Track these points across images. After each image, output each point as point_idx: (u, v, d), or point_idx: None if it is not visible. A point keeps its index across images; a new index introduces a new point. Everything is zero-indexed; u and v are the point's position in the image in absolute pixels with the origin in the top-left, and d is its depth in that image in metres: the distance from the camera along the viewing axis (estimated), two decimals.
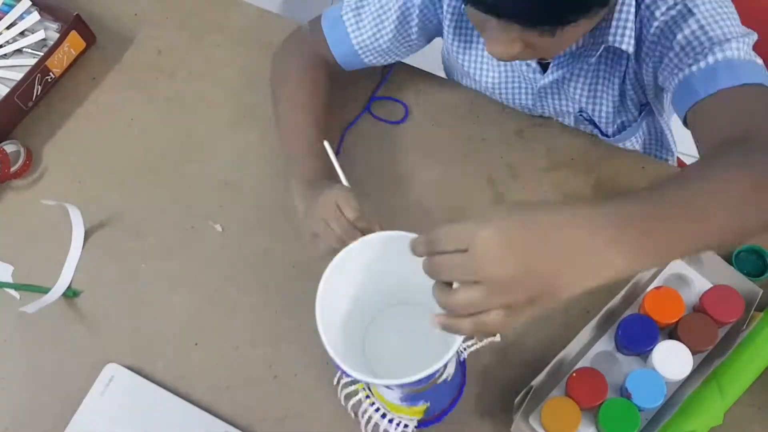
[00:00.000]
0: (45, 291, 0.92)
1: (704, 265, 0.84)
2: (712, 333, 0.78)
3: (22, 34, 1.07)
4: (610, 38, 0.79)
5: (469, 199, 0.94)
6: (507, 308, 0.52)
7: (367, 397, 0.77)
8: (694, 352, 0.77)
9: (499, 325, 0.53)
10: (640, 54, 0.81)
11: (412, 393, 0.70)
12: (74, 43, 1.06)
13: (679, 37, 0.75)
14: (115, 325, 0.91)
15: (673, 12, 0.75)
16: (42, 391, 0.88)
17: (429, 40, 0.95)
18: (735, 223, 0.57)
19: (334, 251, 0.67)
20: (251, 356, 0.88)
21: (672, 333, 0.80)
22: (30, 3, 1.08)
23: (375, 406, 0.77)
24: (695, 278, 0.84)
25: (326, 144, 0.80)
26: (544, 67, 0.89)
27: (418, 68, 1.03)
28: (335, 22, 0.92)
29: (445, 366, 0.64)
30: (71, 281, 0.94)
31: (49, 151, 1.03)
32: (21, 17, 1.07)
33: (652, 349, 0.77)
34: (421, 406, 0.74)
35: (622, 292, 0.81)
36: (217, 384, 0.87)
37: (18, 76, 1.02)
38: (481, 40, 0.90)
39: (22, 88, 1.01)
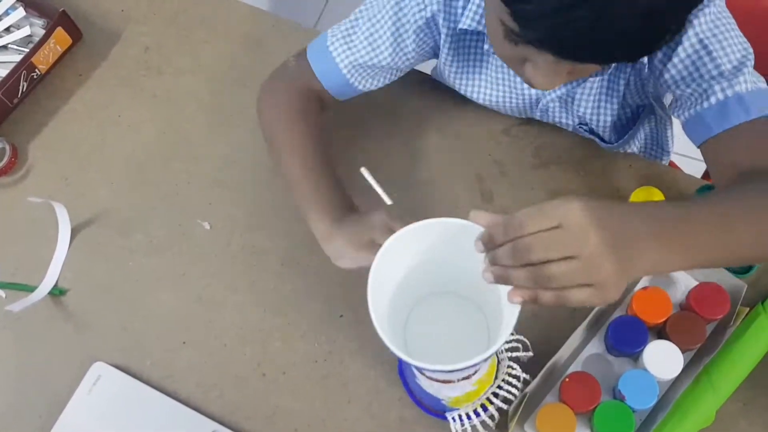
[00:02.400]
0: (31, 289, 0.91)
1: None
2: (700, 330, 0.79)
3: (7, 30, 1.06)
4: None
5: (458, 196, 0.94)
6: (592, 285, 0.56)
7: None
8: (683, 350, 0.78)
9: (584, 300, 0.56)
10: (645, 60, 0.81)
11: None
12: (60, 39, 1.05)
13: (680, 50, 0.75)
14: (102, 324, 0.91)
15: None
16: (28, 390, 0.88)
17: (422, 61, 0.93)
18: (761, 242, 0.64)
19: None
20: (239, 354, 0.88)
21: (661, 332, 0.81)
22: None
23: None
24: (681, 277, 0.84)
25: (364, 171, 0.77)
26: None
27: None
28: (322, 54, 0.89)
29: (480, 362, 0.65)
30: (58, 279, 0.93)
31: (35, 148, 1.02)
32: (6, 13, 1.06)
33: (642, 350, 0.78)
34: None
35: None
36: (205, 382, 0.87)
37: (3, 72, 1.01)
38: (479, 63, 0.89)
39: (8, 84, 1.00)
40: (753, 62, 0.75)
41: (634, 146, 1.01)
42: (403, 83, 1.01)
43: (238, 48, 1.06)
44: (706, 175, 1.17)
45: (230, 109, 1.02)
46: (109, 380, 0.86)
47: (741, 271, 0.85)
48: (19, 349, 0.90)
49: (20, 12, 1.06)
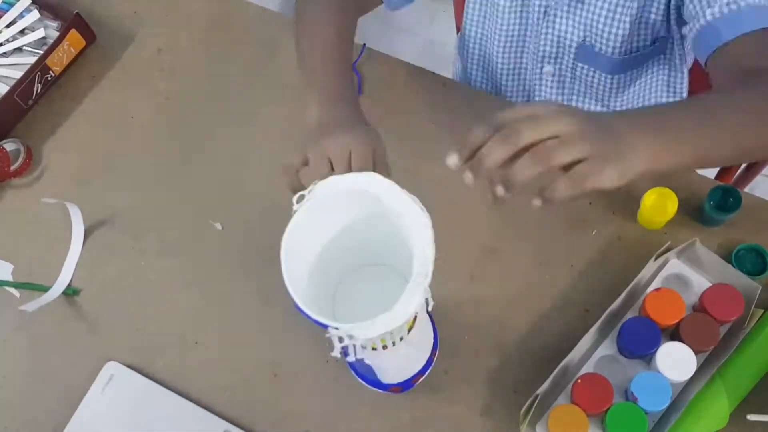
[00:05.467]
0: (45, 289, 0.92)
1: (703, 265, 0.84)
2: (713, 332, 0.78)
3: (22, 32, 1.07)
4: None
5: (468, 197, 0.93)
6: (586, 159, 0.58)
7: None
8: (696, 352, 0.77)
9: (588, 172, 0.58)
10: None
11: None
12: (74, 41, 1.06)
13: None
14: (114, 324, 0.91)
15: None
16: (42, 390, 0.88)
17: None
18: (741, 136, 0.65)
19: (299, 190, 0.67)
20: (251, 355, 0.88)
21: (674, 334, 0.80)
22: (30, 1, 1.08)
23: None
24: (694, 278, 0.84)
25: None
26: None
27: (421, 67, 1.03)
28: None
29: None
30: (71, 279, 0.94)
31: (49, 149, 1.03)
32: (21, 15, 1.07)
33: (655, 352, 0.77)
34: None
35: (623, 295, 0.81)
36: (216, 382, 0.87)
37: (18, 74, 1.02)
38: None
39: (22, 86, 1.01)
40: None
41: (645, 95, 0.99)
42: (416, 84, 1.02)
43: (249, 49, 1.07)
44: (719, 176, 1.16)
45: (242, 109, 1.03)
46: (122, 380, 0.87)
47: (755, 272, 0.84)
48: (33, 348, 0.91)
49: (35, 14, 1.07)
